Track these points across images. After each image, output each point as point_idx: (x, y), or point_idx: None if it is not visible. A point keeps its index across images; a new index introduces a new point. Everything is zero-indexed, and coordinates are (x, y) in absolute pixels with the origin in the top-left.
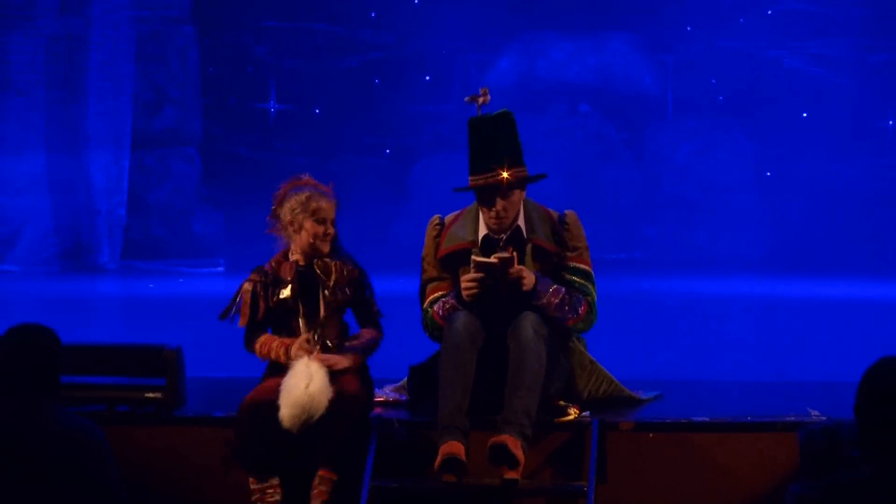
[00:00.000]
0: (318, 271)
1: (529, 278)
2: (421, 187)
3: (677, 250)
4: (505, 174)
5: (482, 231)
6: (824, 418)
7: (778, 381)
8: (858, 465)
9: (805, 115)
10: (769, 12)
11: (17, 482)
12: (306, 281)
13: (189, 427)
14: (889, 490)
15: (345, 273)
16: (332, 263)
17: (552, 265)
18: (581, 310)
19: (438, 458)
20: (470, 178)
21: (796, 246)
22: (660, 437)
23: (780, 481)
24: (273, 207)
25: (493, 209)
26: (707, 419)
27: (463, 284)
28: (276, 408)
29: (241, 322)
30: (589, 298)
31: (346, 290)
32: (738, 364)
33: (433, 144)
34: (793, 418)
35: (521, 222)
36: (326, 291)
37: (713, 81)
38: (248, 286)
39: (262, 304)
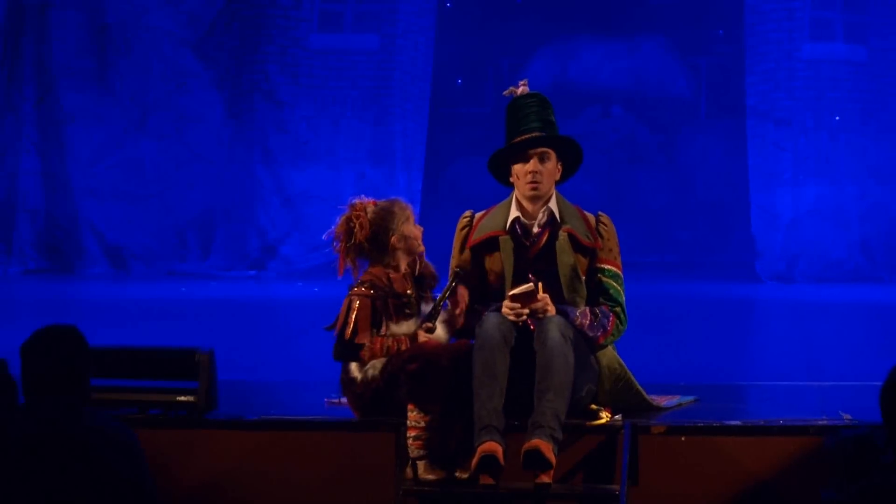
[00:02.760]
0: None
1: (551, 307)
2: (454, 190)
3: (710, 253)
4: (542, 134)
5: (512, 217)
6: (856, 422)
7: (811, 385)
8: (890, 471)
9: (838, 118)
10: (801, 16)
11: (50, 484)
12: (419, 290)
13: (220, 430)
14: None
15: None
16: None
17: (587, 261)
18: (609, 325)
19: (476, 457)
20: (506, 144)
21: (832, 250)
22: (691, 441)
23: (813, 486)
24: (352, 242)
25: (529, 171)
26: (739, 423)
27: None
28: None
29: (361, 339)
30: (617, 309)
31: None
32: (772, 367)
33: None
34: (825, 422)
35: (555, 210)
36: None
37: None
38: (364, 303)
39: (384, 320)
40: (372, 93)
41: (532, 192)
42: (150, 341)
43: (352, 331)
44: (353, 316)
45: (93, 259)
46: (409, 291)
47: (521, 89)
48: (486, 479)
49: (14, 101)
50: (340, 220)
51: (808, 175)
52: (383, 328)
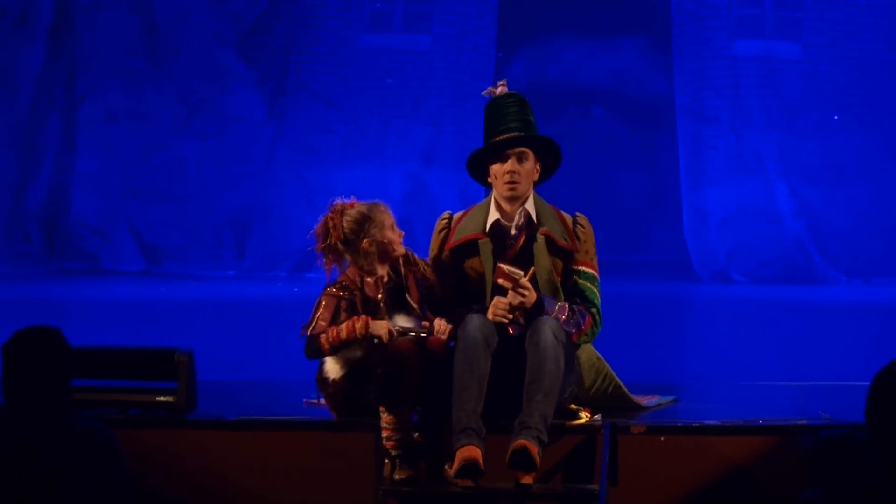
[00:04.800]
0: (405, 262)
1: (533, 294)
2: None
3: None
4: (521, 133)
5: (492, 219)
6: (835, 422)
7: (791, 384)
8: (870, 470)
9: (837, 117)
10: (729, 14)
11: (30, 487)
12: (394, 296)
13: (200, 430)
14: None
15: (423, 269)
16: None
17: (563, 263)
18: (584, 325)
19: (456, 463)
20: (485, 144)
21: (764, 248)
22: (671, 441)
23: (792, 486)
24: (328, 242)
25: (507, 171)
26: (718, 423)
27: (495, 311)
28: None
29: (318, 329)
30: (594, 309)
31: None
32: (751, 366)
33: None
34: (804, 422)
35: (532, 211)
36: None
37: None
38: (329, 301)
39: (343, 317)
40: (423, 93)
41: (510, 192)
42: (161, 341)
43: (313, 327)
44: (318, 314)
45: (129, 259)
46: (379, 296)
47: (500, 89)
48: (467, 483)
49: (57, 100)
50: (322, 219)
51: (739, 173)
52: None
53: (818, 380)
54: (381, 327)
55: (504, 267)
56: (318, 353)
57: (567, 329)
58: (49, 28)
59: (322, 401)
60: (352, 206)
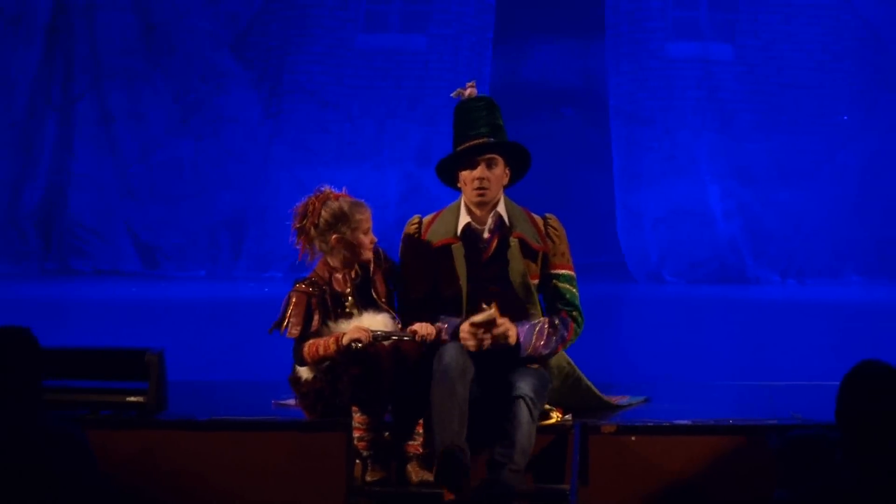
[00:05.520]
0: (374, 258)
1: (513, 331)
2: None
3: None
4: (490, 139)
5: (463, 223)
6: (806, 421)
7: (763, 384)
8: (842, 470)
9: (841, 117)
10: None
11: (1, 488)
12: (362, 291)
13: (171, 431)
14: (873, 494)
15: (392, 268)
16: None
17: (537, 265)
18: (568, 334)
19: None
20: (454, 150)
21: (697, 249)
22: (642, 440)
23: (764, 485)
24: (303, 223)
25: (476, 178)
26: (689, 422)
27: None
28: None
29: (293, 333)
30: (574, 313)
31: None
32: (722, 366)
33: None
34: (775, 421)
35: (503, 214)
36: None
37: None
38: (300, 298)
39: (316, 317)
40: (419, 93)
41: (479, 198)
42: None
43: (286, 325)
44: (290, 311)
45: (126, 259)
46: (347, 290)
47: (469, 91)
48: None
49: (55, 100)
50: (305, 199)
51: (673, 175)
52: (316, 325)
53: (758, 380)
54: (359, 331)
55: (476, 320)
56: (301, 362)
57: (553, 347)
58: (45, 28)
59: (291, 402)
60: (337, 198)
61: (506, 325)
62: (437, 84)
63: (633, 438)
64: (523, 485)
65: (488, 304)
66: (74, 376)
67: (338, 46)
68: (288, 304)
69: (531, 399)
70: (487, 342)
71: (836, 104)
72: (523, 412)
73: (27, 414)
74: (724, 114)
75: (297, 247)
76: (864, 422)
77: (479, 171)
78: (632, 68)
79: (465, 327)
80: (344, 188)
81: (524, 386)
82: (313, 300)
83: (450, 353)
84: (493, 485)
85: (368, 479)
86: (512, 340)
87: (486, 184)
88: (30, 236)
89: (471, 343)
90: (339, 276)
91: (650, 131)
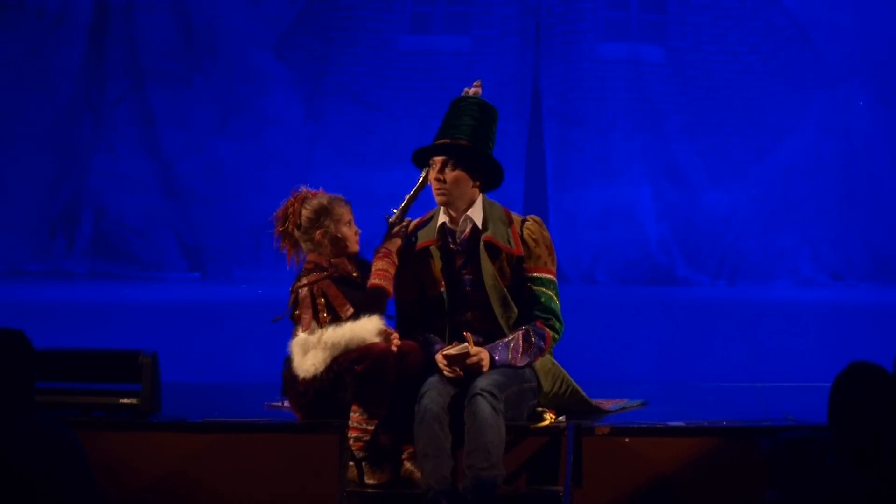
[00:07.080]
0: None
1: (486, 359)
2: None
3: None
4: (449, 141)
5: (440, 221)
6: (798, 423)
7: (756, 385)
8: (833, 472)
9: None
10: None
11: None
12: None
13: (164, 433)
14: (864, 495)
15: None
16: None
17: (510, 268)
18: (546, 344)
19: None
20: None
21: (629, 250)
22: (635, 442)
23: (756, 487)
24: (285, 226)
25: (434, 178)
26: (682, 424)
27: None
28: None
29: (304, 328)
30: (551, 320)
31: None
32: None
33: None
34: (769, 423)
35: (478, 220)
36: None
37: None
38: (306, 291)
39: (320, 304)
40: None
41: (440, 197)
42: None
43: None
44: (302, 308)
45: (171, 262)
46: (354, 274)
47: (474, 90)
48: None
49: (94, 100)
50: (283, 203)
51: (605, 176)
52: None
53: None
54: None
55: (449, 353)
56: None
57: (530, 360)
58: (87, 29)
59: (285, 403)
60: (314, 195)
61: (478, 356)
62: (481, 85)
63: (626, 440)
64: (501, 476)
65: (467, 334)
66: (68, 378)
67: (381, 48)
68: (301, 303)
69: (488, 392)
70: (461, 373)
71: (764, 105)
72: (482, 407)
73: (20, 415)
74: (654, 115)
75: (283, 252)
76: (856, 423)
77: (436, 171)
78: (564, 69)
79: (439, 358)
80: (320, 188)
81: (480, 381)
82: (317, 287)
83: (429, 394)
84: (467, 493)
85: (368, 481)
86: (486, 369)
87: (442, 185)
88: (59, 235)
89: (446, 371)
90: (337, 261)
91: (582, 132)
